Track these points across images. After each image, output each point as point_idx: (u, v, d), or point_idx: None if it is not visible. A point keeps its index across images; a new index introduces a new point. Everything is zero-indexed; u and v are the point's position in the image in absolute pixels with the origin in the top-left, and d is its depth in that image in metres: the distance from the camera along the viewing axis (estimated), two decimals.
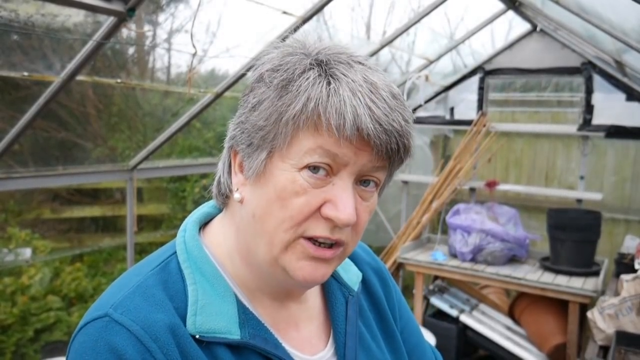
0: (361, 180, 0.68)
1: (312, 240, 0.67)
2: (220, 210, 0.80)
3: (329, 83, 0.63)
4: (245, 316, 0.70)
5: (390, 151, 0.64)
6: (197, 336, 0.66)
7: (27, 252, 4.49)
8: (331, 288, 0.83)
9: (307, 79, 0.63)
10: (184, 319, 0.66)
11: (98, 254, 5.30)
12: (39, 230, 5.17)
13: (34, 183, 2.87)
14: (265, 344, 0.70)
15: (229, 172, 0.74)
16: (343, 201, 0.65)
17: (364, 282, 0.88)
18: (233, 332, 0.68)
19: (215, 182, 0.77)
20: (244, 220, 0.71)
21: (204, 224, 0.80)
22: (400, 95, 0.67)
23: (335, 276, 0.84)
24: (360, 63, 0.67)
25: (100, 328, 0.62)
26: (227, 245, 0.75)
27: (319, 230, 0.66)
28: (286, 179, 0.65)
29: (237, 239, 0.74)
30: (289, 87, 0.64)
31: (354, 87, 0.63)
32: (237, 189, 0.71)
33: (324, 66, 0.65)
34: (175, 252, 0.73)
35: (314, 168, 0.64)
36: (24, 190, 4.80)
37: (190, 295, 0.68)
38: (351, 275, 0.86)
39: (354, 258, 0.90)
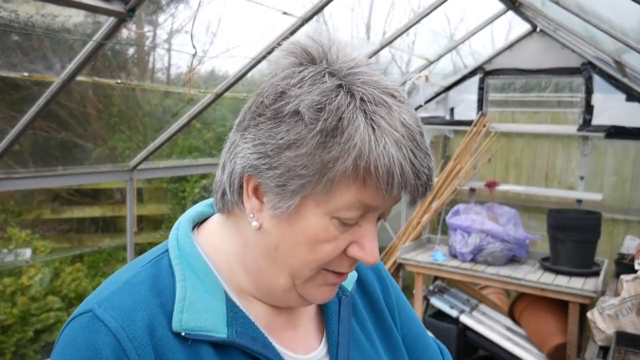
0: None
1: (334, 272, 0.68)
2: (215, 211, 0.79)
3: (373, 131, 0.59)
4: (234, 314, 0.69)
5: (418, 195, 0.64)
6: (183, 333, 0.65)
7: (27, 253, 4.49)
8: None
9: (357, 128, 0.58)
10: (170, 316, 0.66)
11: (98, 255, 5.30)
12: (39, 230, 5.17)
13: (34, 183, 2.87)
14: (252, 342, 0.68)
15: (239, 193, 0.68)
16: (370, 244, 0.66)
17: (361, 281, 0.88)
18: (220, 330, 0.67)
19: (219, 194, 0.72)
20: (261, 247, 0.68)
21: (199, 223, 0.79)
22: (425, 133, 0.65)
23: None
24: (392, 96, 0.63)
25: (82, 323, 0.63)
26: (226, 250, 0.73)
27: (343, 267, 0.68)
28: (319, 226, 0.63)
29: (244, 254, 0.71)
30: (336, 136, 0.58)
31: (398, 138, 0.59)
32: (253, 215, 0.67)
33: (364, 106, 0.60)
34: (167, 250, 0.73)
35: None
36: (24, 190, 4.80)
37: (178, 292, 0.67)
38: None
39: None
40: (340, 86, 0.61)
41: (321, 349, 0.78)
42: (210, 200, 0.80)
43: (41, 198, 5.42)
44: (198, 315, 0.66)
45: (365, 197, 0.61)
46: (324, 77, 0.62)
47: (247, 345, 0.68)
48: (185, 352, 0.65)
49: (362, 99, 0.60)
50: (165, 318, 0.65)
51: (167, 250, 0.73)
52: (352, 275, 0.85)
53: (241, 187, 0.68)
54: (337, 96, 0.60)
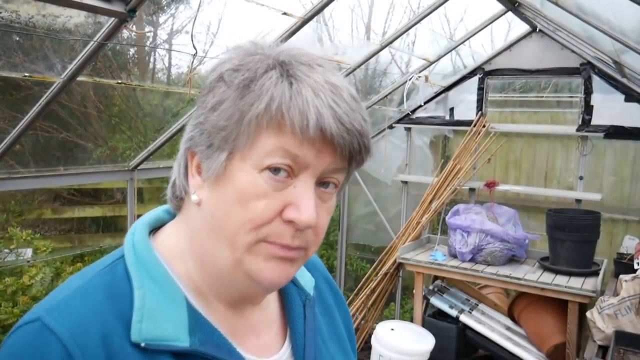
0: (321, 182, 0.66)
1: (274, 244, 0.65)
2: (173, 216, 0.77)
3: (291, 83, 0.62)
4: (196, 321, 0.67)
5: (353, 151, 0.64)
6: (143, 344, 0.62)
7: (28, 252, 4.50)
8: (290, 291, 0.82)
9: (270, 78, 0.62)
10: (128, 324, 0.62)
11: (99, 254, 5.30)
12: (40, 230, 5.18)
13: (35, 183, 2.87)
14: (216, 350, 0.66)
15: (185, 174, 0.70)
16: (304, 203, 0.63)
17: (317, 289, 0.88)
18: (181, 339, 0.64)
19: (170, 185, 0.74)
20: (202, 222, 0.68)
21: (156, 229, 0.76)
22: (359, 98, 0.67)
23: (293, 280, 0.83)
24: (320, 65, 0.66)
25: (30, 333, 0.60)
26: (180, 249, 0.71)
27: (280, 236, 0.64)
28: (247, 180, 0.63)
29: (192, 242, 0.70)
30: (251, 87, 0.62)
31: (317, 87, 0.62)
32: (195, 192, 0.68)
33: (286, 66, 0.64)
34: (123, 255, 0.69)
35: (274, 170, 0.63)
36: (25, 190, 4.81)
37: (136, 300, 0.64)
38: (306, 280, 0.85)
39: (307, 264, 0.87)
40: (264, 55, 0.65)
41: (284, 351, 0.77)
42: (167, 206, 0.78)
43: (42, 198, 5.43)
44: (158, 324, 0.63)
45: (285, 143, 0.62)
46: (255, 52, 0.66)
47: (211, 353, 0.66)
48: None
49: (283, 61, 0.64)
50: (123, 327, 0.62)
51: (123, 256, 0.69)
52: (311, 281, 0.85)
53: (187, 168, 0.70)
54: (253, 58, 0.65)
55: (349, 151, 0.63)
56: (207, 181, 0.66)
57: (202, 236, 0.68)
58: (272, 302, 0.81)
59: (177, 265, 0.71)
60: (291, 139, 0.62)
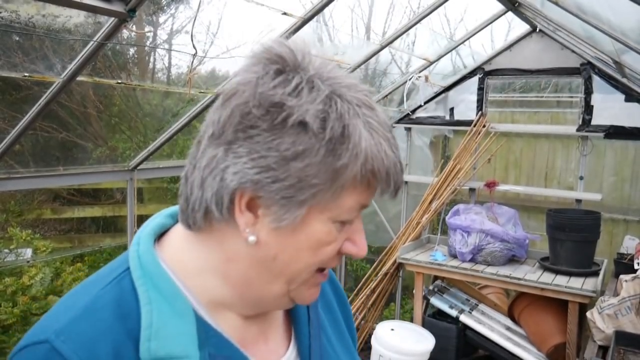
0: None
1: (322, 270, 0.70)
2: (177, 220, 0.73)
3: (371, 134, 0.61)
4: (205, 335, 0.66)
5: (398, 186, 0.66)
6: None
7: (27, 252, 4.49)
8: None
9: (359, 131, 0.60)
10: (138, 342, 0.62)
11: (99, 254, 5.30)
12: (40, 230, 5.18)
13: (34, 183, 2.87)
14: None
15: (229, 209, 0.63)
16: (361, 239, 0.68)
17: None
18: (191, 355, 0.63)
19: (200, 212, 0.66)
20: (254, 258, 0.66)
21: (159, 236, 0.74)
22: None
23: None
24: (366, 96, 0.64)
25: (38, 355, 0.59)
26: (197, 266, 0.69)
27: (334, 263, 0.69)
28: (323, 232, 0.64)
29: (224, 267, 0.68)
30: (344, 142, 0.59)
31: (388, 138, 0.63)
32: (248, 229, 0.64)
33: (357, 110, 0.61)
34: (129, 268, 0.67)
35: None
36: (25, 190, 4.81)
37: (143, 319, 0.63)
38: None
39: None
40: (333, 92, 0.61)
41: (290, 353, 0.77)
42: (169, 211, 0.76)
43: (42, 198, 5.42)
44: (167, 342, 0.62)
45: (366, 199, 0.64)
46: (313, 83, 0.61)
47: None
48: None
49: (356, 104, 0.61)
50: (133, 346, 0.62)
51: (128, 268, 0.67)
52: None
53: (231, 202, 0.63)
54: (336, 103, 0.60)
55: (399, 189, 0.66)
56: (270, 227, 0.63)
57: (248, 270, 0.67)
58: None
59: (192, 280, 0.69)
60: (373, 195, 0.65)
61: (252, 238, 0.64)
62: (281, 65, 0.62)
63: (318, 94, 0.60)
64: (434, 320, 3.90)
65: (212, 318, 0.69)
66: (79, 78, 2.44)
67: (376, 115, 0.63)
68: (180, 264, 0.69)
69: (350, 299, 4.52)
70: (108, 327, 0.61)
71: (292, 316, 0.80)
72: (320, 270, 0.69)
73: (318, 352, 0.78)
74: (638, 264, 3.00)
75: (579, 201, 4.08)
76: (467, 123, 4.45)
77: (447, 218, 3.94)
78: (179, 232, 0.72)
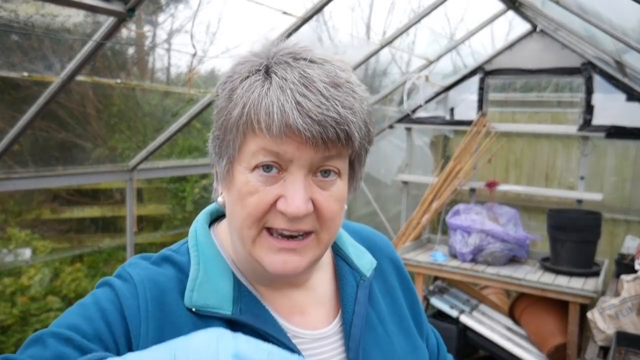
0: (321, 171, 0.70)
1: (275, 232, 0.71)
2: None
3: (263, 86, 0.67)
4: (240, 294, 0.76)
5: (329, 141, 0.66)
6: (193, 309, 0.72)
7: (26, 253, 4.49)
8: (343, 272, 0.87)
9: (244, 86, 0.68)
10: (183, 290, 0.74)
11: (98, 255, 5.29)
12: (39, 230, 5.16)
13: (33, 183, 2.87)
14: (255, 319, 0.73)
15: (216, 180, 0.80)
16: (291, 194, 0.68)
17: (380, 270, 0.92)
18: (225, 308, 0.73)
19: (213, 189, 0.84)
20: (227, 220, 0.79)
21: (220, 217, 0.87)
22: (349, 83, 0.69)
23: (348, 262, 0.88)
24: (304, 59, 0.68)
25: (112, 276, 0.76)
26: (228, 238, 0.82)
27: (278, 222, 0.70)
28: (241, 181, 0.71)
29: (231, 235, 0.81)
30: (232, 96, 0.69)
31: (285, 84, 0.65)
32: (221, 193, 0.78)
33: (268, 69, 0.69)
34: (188, 240, 0.82)
35: (265, 167, 0.69)
36: (24, 190, 4.80)
37: (191, 273, 0.76)
38: (364, 262, 0.89)
39: (371, 247, 0.94)
40: (257, 58, 0.71)
41: (333, 326, 0.82)
42: None
43: (41, 198, 5.41)
44: (207, 294, 0.74)
45: (264, 143, 0.67)
46: (247, 59, 0.72)
47: (249, 322, 0.73)
48: (195, 325, 0.71)
49: (267, 64, 0.69)
50: (180, 290, 0.74)
51: (188, 241, 0.82)
52: (371, 263, 0.90)
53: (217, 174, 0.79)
54: (243, 65, 0.71)
55: (324, 141, 0.66)
56: (222, 185, 0.76)
57: (231, 232, 0.79)
58: (323, 283, 0.87)
59: (230, 251, 0.81)
60: (267, 138, 0.67)
61: (219, 199, 0.78)
62: (249, 54, 0.73)
63: (236, 63, 0.73)
64: (435, 320, 3.89)
65: (249, 285, 0.79)
66: (78, 78, 2.44)
67: (289, 68, 0.67)
68: (223, 237, 0.83)
69: None
70: (167, 270, 0.76)
71: (341, 295, 0.85)
72: (268, 230, 0.71)
73: (358, 330, 0.81)
74: (639, 264, 2.99)
75: (579, 201, 4.07)
76: (468, 123, 4.45)
77: (447, 218, 3.93)
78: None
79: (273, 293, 0.80)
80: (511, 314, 3.83)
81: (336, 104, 0.66)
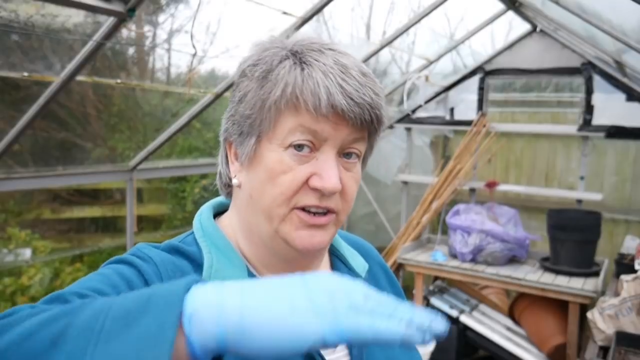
0: (344, 154, 0.74)
1: (305, 210, 0.73)
2: None
3: (302, 69, 0.70)
4: None
5: (365, 122, 0.71)
6: None
7: (27, 253, 4.49)
8: (341, 271, 0.88)
9: (284, 67, 0.71)
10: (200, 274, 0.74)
11: (98, 255, 5.29)
12: (39, 230, 5.16)
13: (33, 183, 2.87)
14: None
15: (227, 163, 0.81)
16: (327, 171, 0.71)
17: (371, 274, 0.94)
18: None
19: (217, 176, 0.85)
20: (244, 201, 0.78)
21: (221, 213, 0.87)
22: (371, 73, 0.74)
23: (343, 261, 0.91)
24: (330, 49, 0.73)
25: (126, 255, 0.74)
26: (234, 228, 0.82)
27: (309, 199, 0.72)
28: (274, 159, 0.72)
29: (239, 221, 0.81)
30: (268, 77, 0.71)
31: (326, 69, 0.70)
32: (235, 176, 0.79)
33: (298, 55, 0.72)
34: (192, 233, 0.81)
35: (298, 146, 0.71)
36: (24, 190, 4.79)
37: (205, 260, 0.76)
38: (358, 263, 0.92)
39: (361, 251, 0.96)
40: (280, 48, 0.74)
41: None
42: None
43: (41, 198, 5.41)
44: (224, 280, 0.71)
45: (303, 121, 0.70)
46: (271, 47, 0.75)
47: None
48: None
49: (296, 51, 0.72)
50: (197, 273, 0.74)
51: (192, 232, 0.82)
52: (363, 266, 0.92)
53: (227, 157, 0.80)
54: (270, 50, 0.74)
55: (361, 122, 0.71)
56: (244, 165, 0.76)
57: (246, 214, 0.79)
58: None
59: (237, 242, 0.81)
60: (307, 117, 0.70)
61: (234, 181, 0.79)
62: (268, 44, 0.76)
63: (259, 50, 0.75)
64: None
65: (256, 270, 0.80)
66: (78, 78, 2.44)
67: (322, 55, 0.71)
68: (229, 229, 0.82)
69: None
70: (177, 259, 0.75)
71: None
72: (301, 208, 0.73)
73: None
74: (639, 264, 2.99)
75: (579, 201, 4.07)
76: (468, 123, 4.45)
77: (447, 218, 3.93)
78: (229, 206, 0.86)
79: None
80: (511, 314, 3.83)
81: (369, 90, 0.71)
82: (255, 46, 0.77)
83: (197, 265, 0.76)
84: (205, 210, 0.85)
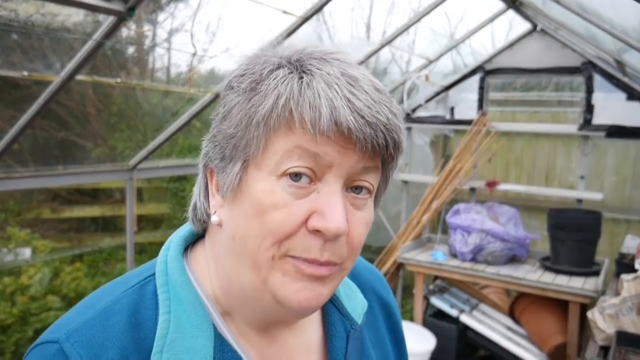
0: (352, 187, 0.59)
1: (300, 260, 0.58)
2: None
3: (300, 77, 0.56)
4: (221, 351, 0.62)
5: (378, 147, 0.56)
6: None
7: (26, 252, 4.49)
8: (332, 319, 0.73)
9: (276, 77, 0.57)
10: (148, 354, 0.59)
11: (98, 254, 5.30)
12: (39, 230, 5.17)
13: (33, 183, 2.86)
14: None
15: (206, 195, 0.65)
16: (331, 208, 0.56)
17: (370, 314, 0.80)
18: None
19: (190, 207, 0.68)
20: (224, 245, 0.62)
21: (192, 243, 0.71)
22: (386, 90, 0.60)
23: (337, 305, 0.74)
24: (337, 59, 0.59)
25: (47, 355, 0.58)
26: (208, 271, 0.67)
27: (306, 250, 0.57)
28: (263, 190, 0.57)
29: (217, 266, 0.65)
30: (258, 88, 0.57)
31: (330, 79, 0.56)
32: (215, 212, 0.63)
33: (295, 62, 0.58)
34: (155, 274, 0.66)
35: (294, 175, 0.56)
36: (24, 190, 4.80)
37: (159, 328, 0.60)
38: (356, 305, 0.76)
39: (361, 284, 0.81)
40: (273, 55, 0.61)
41: None
42: None
43: (41, 197, 5.42)
44: (179, 356, 0.59)
45: (301, 141, 0.55)
46: (262, 55, 0.62)
47: None
48: None
49: (293, 58, 0.59)
50: (143, 356, 0.59)
51: (154, 274, 0.66)
52: (362, 306, 0.77)
53: (207, 189, 0.65)
54: (259, 59, 0.61)
55: (373, 146, 0.56)
56: (226, 198, 0.61)
57: (226, 261, 0.63)
58: (311, 326, 0.73)
59: (208, 288, 0.66)
60: (305, 136, 0.55)
61: (214, 218, 0.63)
62: (260, 52, 0.64)
63: (247, 59, 0.63)
64: (435, 320, 3.89)
65: (230, 333, 0.65)
66: (78, 77, 2.43)
67: (327, 63, 0.58)
68: (200, 271, 0.67)
69: None
70: (119, 333, 0.59)
71: (328, 346, 0.72)
72: (300, 258, 0.57)
73: None
74: (639, 263, 2.99)
75: (579, 201, 4.07)
76: (468, 122, 4.44)
77: (447, 217, 3.93)
78: (203, 240, 0.70)
79: (262, 338, 0.67)
80: (511, 314, 3.83)
81: (384, 108, 0.57)
82: (243, 57, 0.64)
83: (147, 335, 0.60)
84: (174, 245, 0.68)
